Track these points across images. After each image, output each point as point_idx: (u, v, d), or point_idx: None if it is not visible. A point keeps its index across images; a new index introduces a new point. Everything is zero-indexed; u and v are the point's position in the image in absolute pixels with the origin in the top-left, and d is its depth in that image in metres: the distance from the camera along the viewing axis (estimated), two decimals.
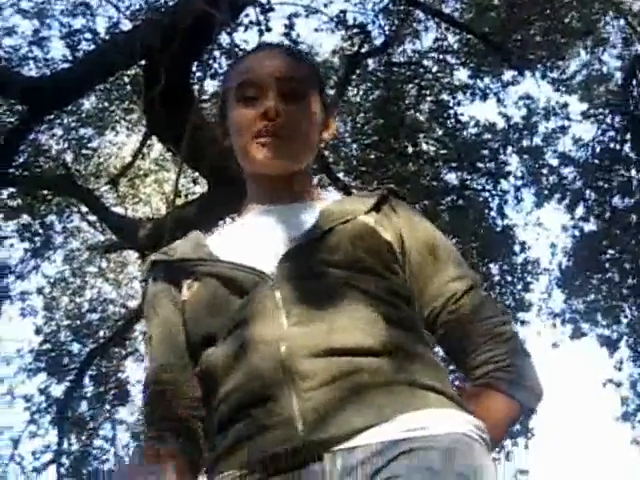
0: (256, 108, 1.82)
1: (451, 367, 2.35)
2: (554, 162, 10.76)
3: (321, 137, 1.94)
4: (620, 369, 11.25)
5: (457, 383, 1.70)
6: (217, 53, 7.96)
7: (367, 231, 1.76)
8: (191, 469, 1.70)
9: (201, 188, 9.57)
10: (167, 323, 1.79)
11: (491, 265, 10.15)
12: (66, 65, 7.92)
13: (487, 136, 10.37)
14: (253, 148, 1.82)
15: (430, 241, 1.83)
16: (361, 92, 10.43)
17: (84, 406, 10.66)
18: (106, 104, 10.23)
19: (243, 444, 1.56)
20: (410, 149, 9.94)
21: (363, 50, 9.69)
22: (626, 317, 11.02)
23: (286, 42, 8.14)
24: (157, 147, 10.97)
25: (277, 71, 1.84)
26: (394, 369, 1.57)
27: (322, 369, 1.54)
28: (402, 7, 9.81)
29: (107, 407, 10.87)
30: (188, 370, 1.75)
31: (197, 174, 9.10)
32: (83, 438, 10.50)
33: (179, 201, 8.73)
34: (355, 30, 9.57)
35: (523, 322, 10.36)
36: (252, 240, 1.79)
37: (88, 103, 10.09)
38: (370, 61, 10.26)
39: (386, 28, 9.93)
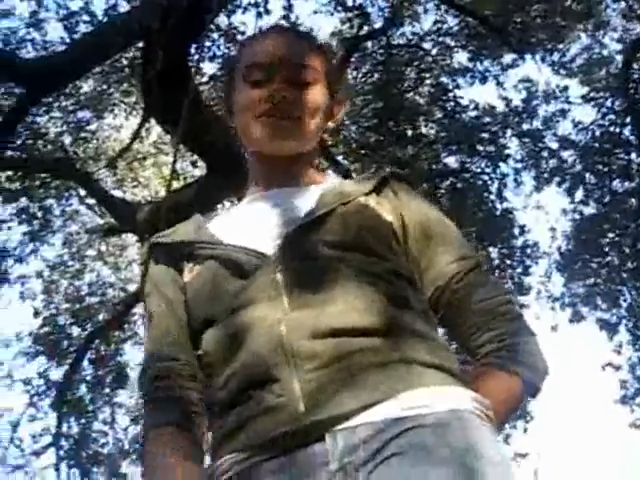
0: (262, 91, 1.82)
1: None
2: (554, 145, 10.77)
3: (326, 124, 1.94)
4: (619, 352, 11.28)
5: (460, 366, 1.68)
6: (215, 35, 7.94)
7: (367, 211, 1.76)
8: (196, 445, 1.69)
9: (200, 171, 9.55)
10: (169, 302, 1.79)
11: (490, 248, 10.14)
12: (63, 47, 7.89)
13: (487, 119, 10.36)
14: (255, 126, 1.83)
15: (432, 223, 1.82)
16: (360, 75, 10.40)
17: (83, 389, 10.67)
18: (104, 86, 10.19)
19: (245, 426, 1.56)
20: (409, 132, 9.92)
21: (362, 32, 9.66)
22: (625, 300, 11.03)
23: (284, 24, 8.11)
24: (156, 130, 10.94)
25: (285, 56, 1.84)
26: (392, 348, 1.57)
27: (322, 350, 1.54)
28: None
29: (106, 390, 10.88)
30: (189, 350, 1.75)
31: (196, 157, 9.08)
32: (82, 421, 10.50)
33: (178, 184, 8.71)
34: (354, 12, 9.53)
35: (522, 306, 10.36)
36: (253, 223, 1.79)
37: (86, 86, 10.06)
38: (369, 44, 10.23)
39: (385, 10, 9.90)
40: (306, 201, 1.79)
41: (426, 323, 1.67)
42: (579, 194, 10.77)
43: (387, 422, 1.48)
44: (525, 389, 1.68)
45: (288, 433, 1.50)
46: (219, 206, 8.42)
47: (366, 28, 9.66)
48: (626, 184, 10.74)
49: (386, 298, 1.63)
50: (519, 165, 10.50)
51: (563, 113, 10.78)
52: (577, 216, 10.91)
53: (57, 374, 10.43)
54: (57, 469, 9.74)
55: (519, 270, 10.44)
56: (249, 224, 1.79)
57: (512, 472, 1.53)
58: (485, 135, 10.14)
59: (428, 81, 10.48)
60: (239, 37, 7.97)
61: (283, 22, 8.27)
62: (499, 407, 1.61)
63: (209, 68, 8.78)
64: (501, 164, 10.14)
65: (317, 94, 1.87)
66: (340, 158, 9.75)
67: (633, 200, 10.69)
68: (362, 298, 1.61)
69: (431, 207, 1.88)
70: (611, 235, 10.85)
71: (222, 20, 7.88)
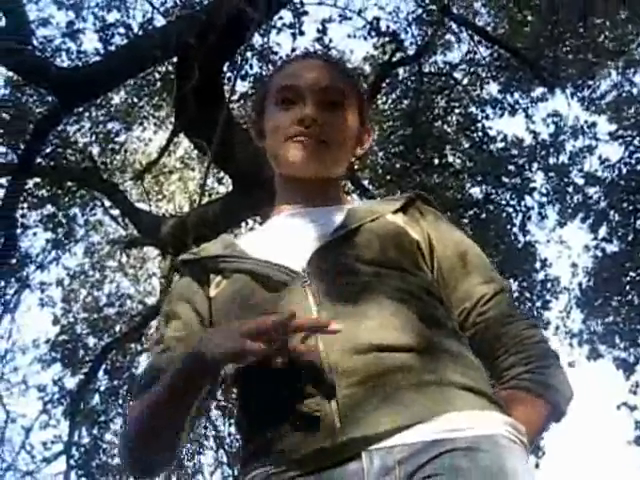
0: (293, 113, 1.84)
1: None
2: (580, 181, 10.72)
3: (354, 151, 1.96)
4: (635, 393, 11.18)
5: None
6: (249, 54, 7.99)
7: (395, 229, 1.78)
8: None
9: (225, 188, 9.58)
10: (187, 321, 1.79)
11: (511, 281, 10.08)
12: (98, 58, 7.94)
13: (514, 151, 10.35)
14: (287, 148, 1.84)
15: (459, 246, 1.84)
16: (390, 101, 10.43)
17: (97, 399, 10.66)
18: (135, 99, 10.25)
19: (280, 440, 1.54)
20: (436, 160, 9.93)
21: (395, 59, 9.69)
22: None
23: (318, 47, 8.17)
24: (183, 145, 11.00)
25: (318, 80, 1.87)
26: (428, 368, 1.56)
27: (359, 366, 1.53)
28: (435, 17, 9.79)
29: (119, 402, 10.87)
30: None
31: (222, 174, 9.11)
32: (94, 431, 10.48)
33: (203, 199, 8.73)
34: (387, 38, 9.57)
35: None
36: (283, 239, 1.80)
37: (117, 97, 10.11)
38: (401, 70, 10.26)
39: (418, 38, 9.93)
40: (335, 218, 1.80)
41: (459, 342, 1.68)
42: (602, 231, 10.73)
43: (424, 444, 1.48)
44: (551, 413, 1.69)
45: (324, 449, 1.49)
46: (243, 223, 8.45)
47: (399, 54, 9.67)
48: None
49: (419, 316, 1.63)
50: (544, 199, 10.47)
51: (590, 149, 10.74)
52: (599, 253, 10.86)
53: (72, 383, 10.45)
54: (67, 477, 9.73)
55: (538, 304, 10.39)
56: (279, 240, 1.80)
57: None
58: (511, 167, 10.13)
59: (457, 110, 10.50)
60: (272, 57, 8.01)
61: (317, 44, 8.32)
62: (527, 431, 1.60)
63: (241, 87, 8.83)
64: (526, 197, 10.12)
65: (348, 118, 1.89)
66: (366, 183, 9.76)
67: None
68: (395, 315, 1.61)
69: (458, 231, 1.90)
70: (632, 274, 10.78)
71: (256, 40, 7.93)
